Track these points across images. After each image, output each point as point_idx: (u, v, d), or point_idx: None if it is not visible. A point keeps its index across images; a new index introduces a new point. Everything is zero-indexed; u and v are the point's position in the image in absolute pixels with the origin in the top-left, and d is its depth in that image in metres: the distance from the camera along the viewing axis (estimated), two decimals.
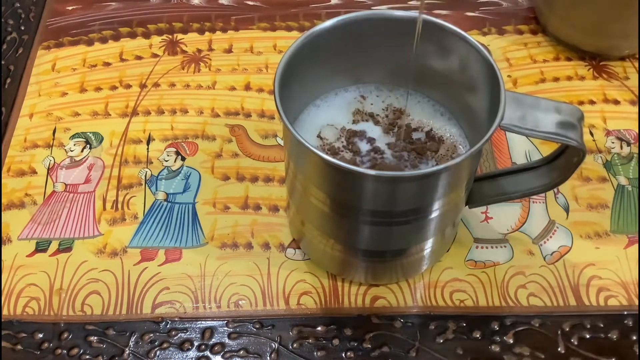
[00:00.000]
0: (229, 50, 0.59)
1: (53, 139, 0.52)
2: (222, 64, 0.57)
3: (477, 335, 0.42)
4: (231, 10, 0.62)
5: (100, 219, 0.48)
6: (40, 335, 0.42)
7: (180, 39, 0.59)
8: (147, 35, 0.60)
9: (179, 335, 0.42)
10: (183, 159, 0.51)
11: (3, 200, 0.49)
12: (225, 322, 0.43)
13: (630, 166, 0.50)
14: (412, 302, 0.43)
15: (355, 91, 0.43)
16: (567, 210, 0.48)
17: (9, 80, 0.57)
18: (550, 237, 0.46)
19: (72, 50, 0.59)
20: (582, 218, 0.47)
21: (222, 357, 0.41)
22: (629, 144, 0.52)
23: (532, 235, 0.47)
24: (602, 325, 0.42)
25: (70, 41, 0.60)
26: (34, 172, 0.50)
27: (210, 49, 0.59)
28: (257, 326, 0.42)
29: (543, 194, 0.48)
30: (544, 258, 0.45)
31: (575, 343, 0.42)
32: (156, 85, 0.56)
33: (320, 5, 0.62)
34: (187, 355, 0.41)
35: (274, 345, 0.42)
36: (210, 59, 0.58)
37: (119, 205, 0.48)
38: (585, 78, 0.56)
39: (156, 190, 0.49)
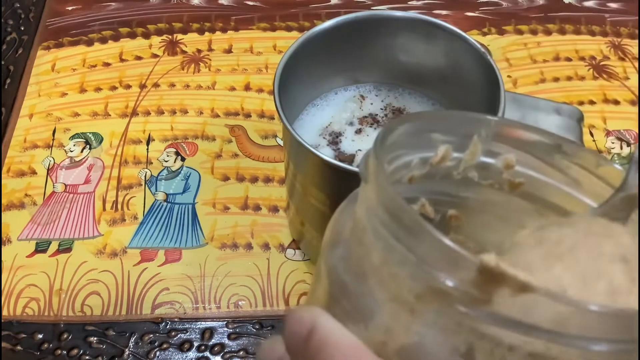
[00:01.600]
0: (228, 51, 0.58)
1: (53, 140, 0.52)
2: (222, 64, 0.57)
3: None
4: (231, 11, 0.62)
5: (100, 219, 0.48)
6: (40, 336, 0.42)
7: (180, 39, 0.59)
8: (146, 36, 0.60)
9: (178, 335, 0.42)
10: (183, 159, 0.51)
11: (3, 201, 0.49)
12: (225, 322, 0.43)
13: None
14: None
15: (354, 91, 0.43)
16: None
17: (8, 81, 0.57)
18: None
19: (71, 50, 0.59)
20: None
21: (222, 357, 0.41)
22: (629, 144, 0.52)
23: None
24: None
25: (70, 41, 0.60)
26: (34, 172, 0.50)
27: (210, 49, 0.59)
28: (257, 327, 0.42)
29: None
30: None
31: None
32: (156, 85, 0.56)
33: (320, 5, 0.62)
34: (186, 356, 0.41)
35: None
36: (210, 59, 0.58)
37: (119, 206, 0.48)
38: (585, 78, 0.56)
39: (156, 190, 0.49)
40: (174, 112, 0.54)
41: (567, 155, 0.20)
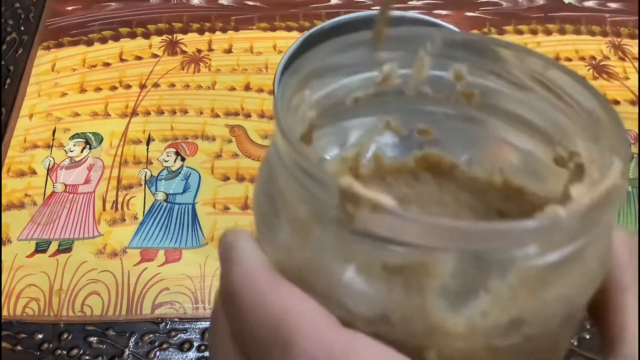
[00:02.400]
0: (228, 51, 0.58)
1: (53, 140, 0.52)
2: (222, 64, 0.57)
3: None
4: (231, 11, 0.62)
5: (100, 219, 0.48)
6: (40, 336, 0.42)
7: (180, 39, 0.59)
8: (146, 36, 0.60)
9: (178, 335, 0.42)
10: (183, 159, 0.51)
11: (3, 201, 0.49)
12: None
13: (630, 166, 0.50)
14: None
15: None
16: None
17: (8, 81, 0.57)
18: None
19: (71, 50, 0.59)
20: None
21: None
22: (629, 144, 0.52)
23: None
24: None
25: (70, 41, 0.60)
26: (34, 172, 0.50)
27: (210, 49, 0.59)
28: None
29: None
30: None
31: (575, 343, 0.41)
32: (156, 85, 0.56)
33: (320, 5, 0.62)
34: (186, 356, 0.41)
35: None
36: (210, 59, 0.58)
37: (119, 206, 0.48)
38: (585, 78, 0.56)
39: (156, 190, 0.49)
40: (174, 112, 0.54)
41: (516, 61, 0.20)
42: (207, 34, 0.60)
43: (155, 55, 0.58)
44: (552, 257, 0.16)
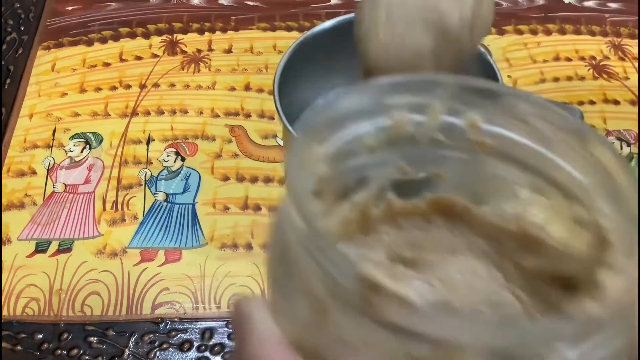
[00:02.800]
0: (228, 51, 0.58)
1: (53, 140, 0.52)
2: (222, 64, 0.57)
3: None
4: (231, 11, 0.62)
5: (100, 219, 0.48)
6: (40, 336, 0.42)
7: (180, 39, 0.59)
8: (146, 36, 0.60)
9: (178, 335, 0.42)
10: (183, 159, 0.51)
11: (3, 201, 0.49)
12: (225, 322, 0.43)
13: (630, 165, 0.50)
14: None
15: None
16: None
17: (8, 81, 0.57)
18: None
19: (71, 50, 0.59)
20: None
21: (222, 357, 0.41)
22: (629, 144, 0.52)
23: None
24: None
25: (70, 41, 0.60)
26: (34, 172, 0.50)
27: (210, 49, 0.59)
28: None
29: None
30: None
31: None
32: (156, 85, 0.56)
33: (320, 5, 0.62)
34: (186, 356, 0.41)
35: None
36: (210, 59, 0.58)
37: (119, 206, 0.48)
38: (585, 78, 0.56)
39: (156, 190, 0.49)
40: (174, 112, 0.54)
41: (530, 112, 0.20)
42: (207, 34, 0.60)
43: (155, 55, 0.58)
44: (581, 349, 0.16)
